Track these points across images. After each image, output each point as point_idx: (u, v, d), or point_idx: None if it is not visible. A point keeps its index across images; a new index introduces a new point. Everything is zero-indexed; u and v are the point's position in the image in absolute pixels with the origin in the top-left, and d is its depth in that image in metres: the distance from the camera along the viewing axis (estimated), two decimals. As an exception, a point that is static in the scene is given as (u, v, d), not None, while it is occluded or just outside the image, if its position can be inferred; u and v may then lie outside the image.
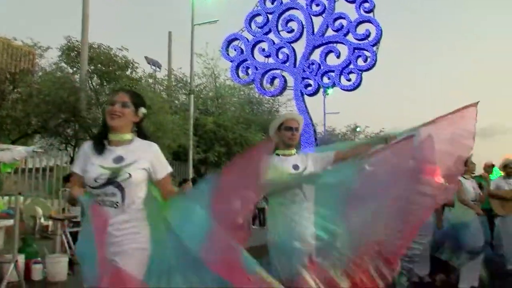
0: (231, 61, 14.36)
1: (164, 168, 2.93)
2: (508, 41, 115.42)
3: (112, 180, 2.73)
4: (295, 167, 3.66)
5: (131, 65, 18.82)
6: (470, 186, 6.38)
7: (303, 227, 3.51)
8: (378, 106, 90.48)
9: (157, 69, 23.86)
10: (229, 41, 14.24)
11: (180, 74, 24.44)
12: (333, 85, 13.83)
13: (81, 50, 17.87)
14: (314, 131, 14.36)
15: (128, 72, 18.78)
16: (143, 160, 2.83)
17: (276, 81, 14.23)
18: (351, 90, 13.56)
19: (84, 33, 18.07)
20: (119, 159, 2.79)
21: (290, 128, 3.76)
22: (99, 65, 18.18)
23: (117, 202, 2.73)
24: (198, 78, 24.25)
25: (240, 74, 14.41)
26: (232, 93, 24.51)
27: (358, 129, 39.23)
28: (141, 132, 2.98)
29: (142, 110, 2.92)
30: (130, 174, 2.74)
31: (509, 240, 7.23)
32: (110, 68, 18.14)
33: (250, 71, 14.17)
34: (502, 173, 7.73)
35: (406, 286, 5.28)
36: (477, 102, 3.61)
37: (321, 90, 15.06)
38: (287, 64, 13.82)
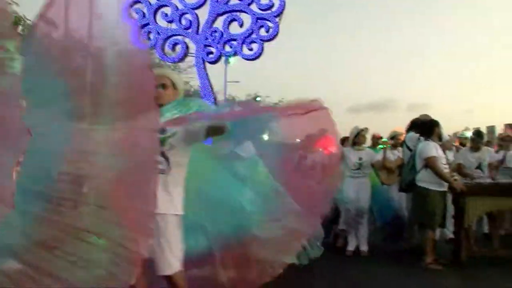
0: (132, 24, 13.95)
1: None
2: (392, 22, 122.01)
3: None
4: (161, 131, 3.13)
5: (23, 21, 17.54)
6: (356, 156, 6.93)
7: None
8: (279, 76, 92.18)
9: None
10: (131, 4, 13.79)
11: (77, 36, 23.19)
12: (235, 53, 13.94)
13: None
14: (215, 99, 14.46)
15: (19, 30, 17.48)
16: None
17: (178, 47, 14.07)
18: (252, 59, 13.74)
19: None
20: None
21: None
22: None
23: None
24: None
25: (141, 38, 14.04)
26: (131, 57, 23.80)
27: (258, 99, 39.80)
28: None
29: None
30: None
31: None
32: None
33: (151, 36, 13.88)
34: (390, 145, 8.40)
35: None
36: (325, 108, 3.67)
37: (223, 58, 15.13)
38: (189, 30, 13.69)
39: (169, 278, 3.12)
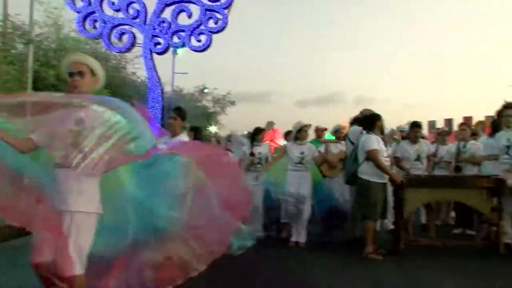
0: (77, 12, 13.59)
1: None
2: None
3: None
4: (78, 122, 2.96)
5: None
6: (298, 150, 7.03)
7: None
8: (228, 68, 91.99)
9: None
10: (76, -9, 13.45)
11: (18, 21, 22.30)
12: (183, 45, 13.85)
13: None
14: (162, 90, 14.31)
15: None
16: None
17: (125, 37, 13.83)
18: (200, 51, 13.70)
19: None
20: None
21: (71, 73, 3.20)
22: None
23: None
24: (39, 28, 22.36)
25: (87, 26, 13.72)
26: (77, 46, 23.10)
27: (206, 91, 39.64)
28: None
29: None
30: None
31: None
32: None
33: (97, 25, 13.56)
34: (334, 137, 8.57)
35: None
36: None
37: (171, 49, 14.99)
38: (137, 20, 13.48)
39: (66, 280, 2.83)
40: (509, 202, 6.29)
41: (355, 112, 7.51)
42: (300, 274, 5.45)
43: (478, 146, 7.80)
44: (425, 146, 7.70)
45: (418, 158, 7.52)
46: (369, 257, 6.08)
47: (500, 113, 6.83)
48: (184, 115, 5.18)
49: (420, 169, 7.45)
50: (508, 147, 6.50)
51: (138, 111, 3.13)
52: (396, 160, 7.54)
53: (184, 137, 5.06)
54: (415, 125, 7.74)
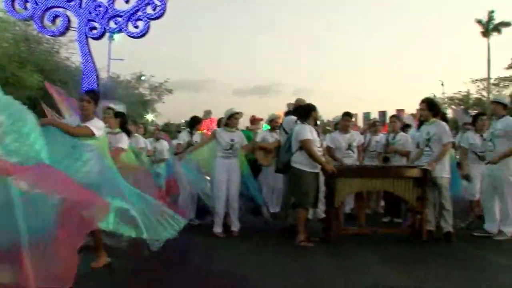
0: (6, -9, 12.99)
1: None
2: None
3: None
4: None
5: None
6: (229, 137, 7.04)
7: None
8: (166, 55, 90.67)
9: None
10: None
11: None
12: (120, 30, 13.56)
13: None
14: (97, 76, 13.96)
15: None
16: None
17: (59, 20, 13.36)
18: (138, 37, 13.46)
19: None
20: None
21: None
22: None
23: None
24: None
25: (17, 7, 13.14)
26: (6, 28, 22.04)
27: (143, 78, 38.99)
28: None
29: None
30: None
31: (267, 187, 8.22)
32: None
33: (28, 6, 13.01)
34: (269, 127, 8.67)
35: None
36: None
37: (107, 34, 14.62)
38: (72, 3, 13.04)
39: None
40: (432, 192, 6.63)
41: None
42: (231, 263, 5.48)
43: (406, 138, 8.12)
44: (356, 136, 7.93)
45: (349, 147, 7.74)
46: (301, 245, 6.21)
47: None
48: (97, 99, 5.02)
49: (351, 157, 7.67)
50: (428, 139, 6.81)
51: (51, 91, 3.17)
52: (329, 150, 7.72)
53: (96, 121, 4.89)
54: (346, 115, 7.96)
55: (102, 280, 4.57)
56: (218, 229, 6.95)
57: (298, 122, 6.63)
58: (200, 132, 8.39)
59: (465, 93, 42.39)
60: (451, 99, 43.34)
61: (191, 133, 8.02)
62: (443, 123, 6.79)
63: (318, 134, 6.68)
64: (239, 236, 6.91)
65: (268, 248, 6.16)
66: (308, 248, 6.11)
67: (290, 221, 7.03)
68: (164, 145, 9.68)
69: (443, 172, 6.61)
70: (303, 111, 6.69)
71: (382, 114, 22.05)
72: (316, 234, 6.58)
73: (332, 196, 6.46)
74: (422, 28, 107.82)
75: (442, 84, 47.51)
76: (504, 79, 39.36)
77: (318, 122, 7.30)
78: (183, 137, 8.05)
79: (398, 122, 8.59)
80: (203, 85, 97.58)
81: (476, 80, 41.35)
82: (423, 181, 6.50)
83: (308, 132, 6.37)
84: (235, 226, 7.00)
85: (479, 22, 41.66)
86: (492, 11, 41.46)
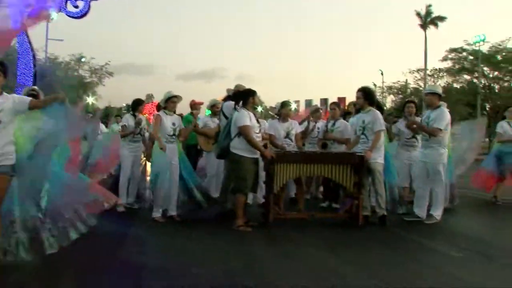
0: None
1: None
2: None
3: None
4: None
5: None
6: (170, 121, 6.94)
7: None
8: (108, 38, 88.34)
9: None
10: None
11: None
12: (59, 10, 13.06)
13: None
14: (34, 57, 13.42)
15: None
16: None
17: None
18: (78, 17, 13.02)
19: None
20: None
21: None
22: None
23: None
24: None
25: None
26: None
27: (83, 60, 37.93)
28: None
29: None
30: None
31: (212, 171, 8.19)
32: None
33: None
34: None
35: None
36: None
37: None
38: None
39: None
40: (367, 178, 6.83)
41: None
42: (168, 249, 5.45)
43: (346, 125, 8.29)
44: (295, 125, 8.00)
45: (287, 136, 7.80)
46: (239, 229, 6.24)
47: None
48: (7, 71, 4.37)
49: (290, 146, 7.75)
50: (363, 127, 7.00)
51: None
52: (270, 137, 7.77)
53: (5, 97, 4.22)
54: (285, 104, 8.02)
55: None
56: (157, 213, 6.88)
57: (237, 107, 6.62)
58: (143, 115, 8.24)
59: (403, 83, 43.88)
60: (390, 88, 44.84)
61: (134, 116, 7.87)
62: (377, 112, 6.97)
63: (257, 120, 6.69)
64: (178, 221, 6.87)
65: (206, 233, 6.14)
66: (247, 233, 6.15)
67: (229, 206, 7.05)
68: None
69: (377, 157, 6.81)
70: (242, 96, 6.68)
71: (324, 101, 22.43)
72: (255, 219, 6.63)
73: (271, 181, 6.51)
74: (364, 17, 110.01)
75: (381, 74, 48.69)
76: (439, 70, 41.16)
77: (261, 108, 7.33)
78: (127, 119, 7.88)
79: (338, 110, 8.72)
80: (147, 69, 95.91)
81: (414, 70, 42.91)
82: (360, 167, 6.66)
83: (247, 118, 6.37)
84: (175, 211, 6.94)
85: (418, 14, 43.06)
86: (430, 5, 42.97)
